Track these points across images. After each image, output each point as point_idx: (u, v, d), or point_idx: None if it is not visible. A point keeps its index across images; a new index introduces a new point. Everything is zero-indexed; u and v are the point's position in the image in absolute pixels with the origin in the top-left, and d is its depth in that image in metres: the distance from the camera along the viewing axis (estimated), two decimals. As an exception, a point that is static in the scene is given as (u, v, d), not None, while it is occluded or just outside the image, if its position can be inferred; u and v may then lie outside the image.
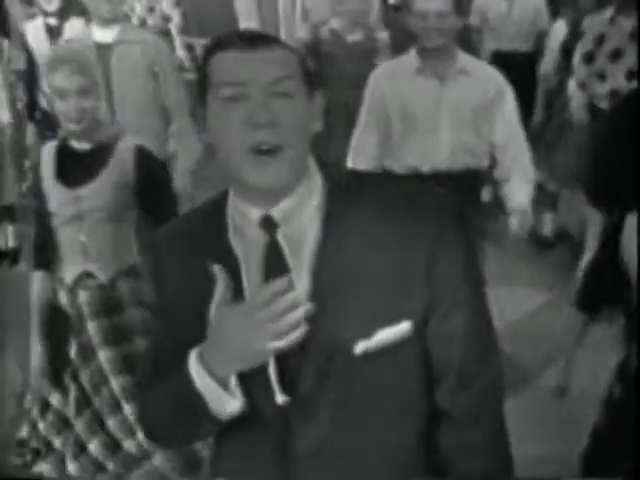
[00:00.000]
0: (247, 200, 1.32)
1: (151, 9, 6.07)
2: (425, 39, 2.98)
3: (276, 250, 1.31)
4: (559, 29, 5.03)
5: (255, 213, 1.32)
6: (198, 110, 1.34)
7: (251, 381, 1.29)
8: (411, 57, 3.10)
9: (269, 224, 1.32)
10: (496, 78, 3.13)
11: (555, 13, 5.50)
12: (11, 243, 4.76)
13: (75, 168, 2.62)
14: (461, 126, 3.08)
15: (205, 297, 1.29)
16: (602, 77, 4.11)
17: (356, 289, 1.28)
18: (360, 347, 1.28)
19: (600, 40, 4.11)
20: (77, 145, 2.63)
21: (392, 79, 3.13)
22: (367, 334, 1.27)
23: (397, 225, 1.29)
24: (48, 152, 2.70)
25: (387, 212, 1.30)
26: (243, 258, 1.33)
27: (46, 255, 2.73)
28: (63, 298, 2.70)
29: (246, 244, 1.33)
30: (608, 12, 4.17)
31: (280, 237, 1.31)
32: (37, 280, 2.76)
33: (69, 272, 2.66)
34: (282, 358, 1.28)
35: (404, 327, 1.29)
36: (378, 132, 3.16)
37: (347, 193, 1.33)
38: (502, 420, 1.41)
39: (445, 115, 3.07)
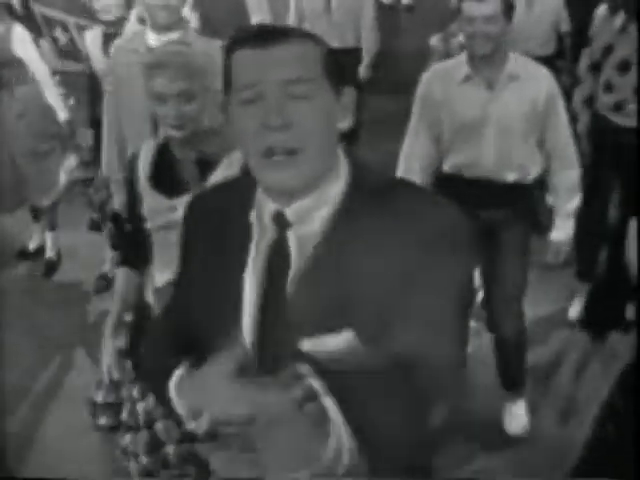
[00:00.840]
0: (266, 193, 1.35)
1: None
2: (473, 45, 2.92)
3: (283, 247, 1.33)
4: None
5: (271, 207, 1.34)
6: (224, 108, 1.34)
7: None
8: (461, 63, 3.04)
9: (282, 221, 1.33)
10: (547, 82, 3.00)
11: (575, 17, 5.42)
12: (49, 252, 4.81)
13: (174, 175, 2.46)
14: (508, 136, 3.00)
15: (224, 265, 1.37)
16: (609, 88, 4.02)
17: (330, 294, 1.29)
18: (306, 345, 1.30)
19: (608, 51, 4.01)
20: (178, 152, 2.45)
21: (442, 83, 3.08)
22: (316, 335, 1.29)
23: (394, 246, 1.27)
24: (146, 152, 2.52)
25: (394, 231, 1.28)
26: (256, 241, 1.36)
27: (132, 253, 2.61)
28: (150, 297, 2.60)
29: (261, 230, 1.36)
30: (619, 19, 4.06)
31: (291, 235, 1.33)
32: (122, 276, 2.63)
33: (159, 277, 2.53)
34: (263, 340, 1.35)
35: (349, 337, 1.29)
36: (430, 134, 3.10)
37: (364, 203, 1.31)
38: None
39: (491, 124, 3.00)
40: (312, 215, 1.32)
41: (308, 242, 1.32)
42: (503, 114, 2.98)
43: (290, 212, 1.32)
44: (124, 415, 2.62)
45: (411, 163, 3.15)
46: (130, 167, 2.57)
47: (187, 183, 2.42)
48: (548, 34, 5.44)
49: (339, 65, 1.31)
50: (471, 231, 1.33)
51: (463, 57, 3.04)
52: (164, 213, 2.45)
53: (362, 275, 1.27)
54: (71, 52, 7.42)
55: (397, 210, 1.30)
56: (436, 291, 1.28)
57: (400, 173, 3.15)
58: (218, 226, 1.42)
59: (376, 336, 1.29)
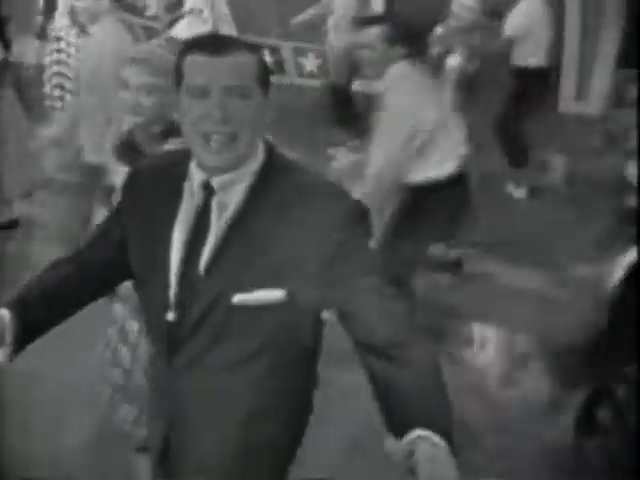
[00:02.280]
0: (199, 166, 1.65)
1: None
2: None
3: (206, 210, 1.65)
4: None
5: (200, 177, 1.65)
6: (174, 94, 1.64)
7: (155, 299, 1.70)
8: None
9: (208, 189, 1.65)
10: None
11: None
12: None
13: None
14: None
15: (157, 222, 1.68)
16: None
17: (254, 253, 1.60)
18: (237, 298, 1.61)
19: None
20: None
21: None
22: (247, 290, 1.60)
23: (304, 214, 1.58)
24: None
25: (305, 202, 1.60)
26: (185, 204, 1.67)
27: None
28: None
29: (189, 196, 1.67)
30: None
31: (214, 201, 1.64)
32: None
33: None
34: (181, 290, 1.66)
35: (279, 294, 1.60)
36: None
37: (276, 176, 1.64)
38: None
39: None
40: (233, 187, 1.63)
41: (226, 208, 1.63)
42: None
43: (215, 182, 1.63)
44: None
45: None
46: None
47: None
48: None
49: (267, 72, 1.63)
50: (363, 210, 1.64)
51: None
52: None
53: (278, 241, 1.58)
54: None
55: (302, 187, 1.63)
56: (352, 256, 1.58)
57: None
58: (156, 190, 1.72)
59: (307, 296, 1.60)
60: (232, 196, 1.63)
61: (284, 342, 1.68)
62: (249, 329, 1.64)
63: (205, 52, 1.56)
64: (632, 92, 5.24)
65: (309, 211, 1.58)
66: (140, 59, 2.58)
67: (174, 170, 1.70)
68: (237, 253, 1.61)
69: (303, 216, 1.58)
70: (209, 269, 1.63)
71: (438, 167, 3.37)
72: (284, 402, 1.77)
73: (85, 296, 1.84)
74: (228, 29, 5.76)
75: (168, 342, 1.70)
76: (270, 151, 1.68)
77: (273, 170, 1.65)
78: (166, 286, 1.67)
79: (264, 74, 1.61)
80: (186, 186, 1.67)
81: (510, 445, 3.19)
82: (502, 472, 3.03)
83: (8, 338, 1.65)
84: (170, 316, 1.68)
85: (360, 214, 1.62)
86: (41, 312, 1.73)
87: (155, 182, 1.73)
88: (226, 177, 1.62)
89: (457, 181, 3.43)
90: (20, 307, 1.69)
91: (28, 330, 1.69)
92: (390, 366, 1.49)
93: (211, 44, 1.58)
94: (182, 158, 1.69)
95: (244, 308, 1.61)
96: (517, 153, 5.57)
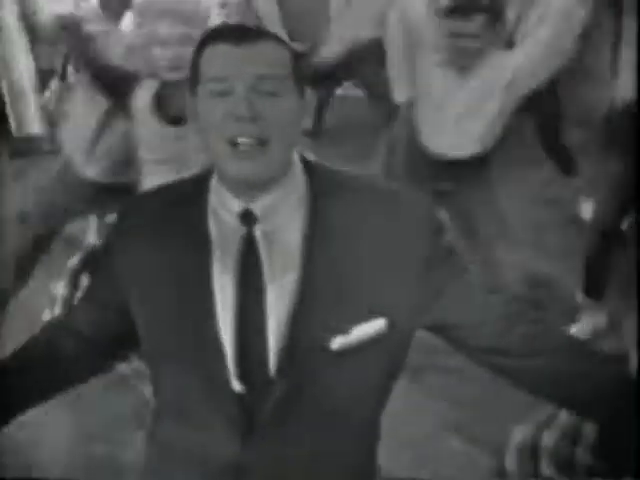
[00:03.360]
0: (229, 190, 1.35)
1: None
2: None
3: (252, 244, 1.35)
4: None
5: (236, 205, 1.35)
6: (190, 100, 1.37)
7: (199, 369, 1.36)
8: None
9: (249, 218, 1.35)
10: None
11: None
12: None
13: (174, 110, 2.56)
14: None
15: (182, 278, 1.36)
16: None
17: (339, 285, 1.33)
18: (337, 342, 1.32)
19: None
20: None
21: None
22: (345, 330, 1.32)
23: (382, 225, 1.34)
24: (147, 86, 2.67)
25: (371, 211, 1.35)
26: (218, 246, 1.37)
27: None
28: None
29: (223, 232, 1.37)
30: None
31: (258, 232, 1.35)
32: None
33: None
34: (246, 348, 1.34)
35: (380, 324, 1.34)
36: None
37: (329, 191, 1.37)
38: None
39: None
40: (277, 211, 1.35)
41: (276, 239, 1.35)
42: None
43: (257, 208, 1.35)
44: None
45: None
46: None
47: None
48: None
49: (302, 68, 1.38)
50: (435, 209, 1.43)
51: None
52: (170, 142, 2.52)
53: (360, 262, 1.33)
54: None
55: (368, 197, 1.38)
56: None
57: None
58: (166, 231, 1.42)
59: (409, 317, 1.37)
60: (281, 222, 1.36)
61: (375, 383, 1.42)
62: (345, 377, 1.37)
63: (228, 41, 1.31)
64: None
65: (387, 221, 1.35)
66: (167, 10, 2.51)
67: (186, 204, 1.41)
68: (319, 289, 1.34)
69: (382, 229, 1.35)
70: (292, 317, 1.34)
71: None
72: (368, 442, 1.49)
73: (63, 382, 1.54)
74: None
75: (240, 415, 1.37)
76: (306, 162, 1.42)
77: (322, 184, 1.39)
78: (217, 350, 1.36)
79: (299, 70, 1.36)
80: (211, 221, 1.38)
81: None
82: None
83: None
84: (237, 387, 1.36)
85: (436, 213, 1.44)
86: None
87: (163, 221, 1.43)
88: (268, 200, 1.35)
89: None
90: None
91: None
92: (541, 360, 1.41)
93: (235, 33, 1.33)
94: (193, 189, 1.42)
95: (344, 352, 1.34)
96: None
